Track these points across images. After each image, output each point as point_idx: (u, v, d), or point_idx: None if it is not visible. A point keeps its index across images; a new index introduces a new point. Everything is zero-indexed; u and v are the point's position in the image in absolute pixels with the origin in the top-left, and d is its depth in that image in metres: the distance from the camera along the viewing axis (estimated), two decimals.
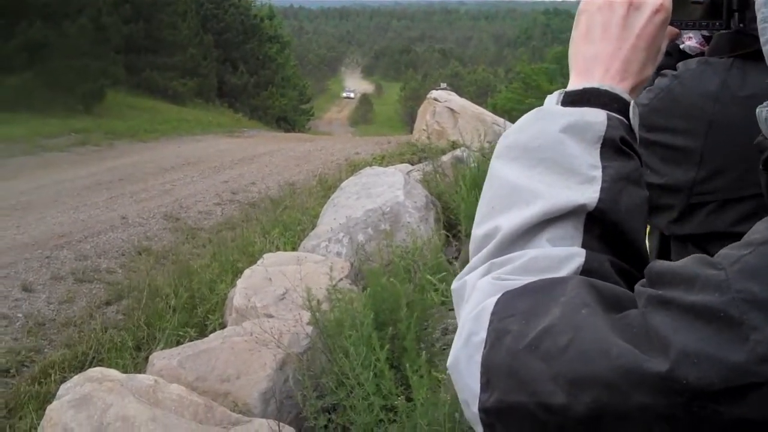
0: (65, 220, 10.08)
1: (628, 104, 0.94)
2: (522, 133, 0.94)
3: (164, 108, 29.18)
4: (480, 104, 14.77)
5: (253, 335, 4.33)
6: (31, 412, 4.75)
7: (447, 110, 11.76)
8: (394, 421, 3.42)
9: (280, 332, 4.30)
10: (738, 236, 1.08)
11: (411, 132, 14.85)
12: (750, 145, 1.09)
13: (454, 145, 10.34)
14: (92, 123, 20.30)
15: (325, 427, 3.73)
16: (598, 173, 0.86)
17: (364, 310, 3.68)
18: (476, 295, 0.82)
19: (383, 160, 11.62)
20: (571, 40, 1.04)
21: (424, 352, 3.56)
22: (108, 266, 8.23)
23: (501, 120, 10.89)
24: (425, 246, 5.54)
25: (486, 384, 0.74)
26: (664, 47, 1.03)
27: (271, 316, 4.83)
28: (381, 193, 7.18)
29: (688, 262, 0.71)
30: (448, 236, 6.45)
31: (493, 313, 0.77)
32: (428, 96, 12.66)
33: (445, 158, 9.08)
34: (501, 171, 0.93)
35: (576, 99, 0.95)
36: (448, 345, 4.47)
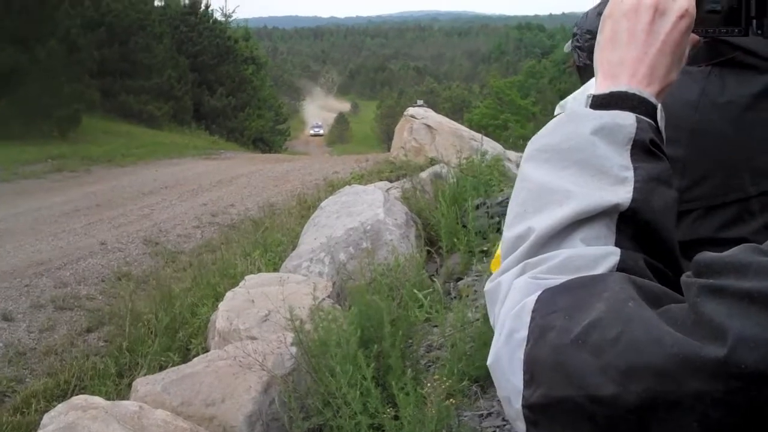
0: (43, 248, 10.02)
1: (655, 107, 0.96)
2: (553, 136, 0.96)
3: (140, 132, 29.09)
4: (456, 120, 14.83)
5: (236, 358, 4.30)
6: None
7: (424, 127, 11.79)
8: None
9: (264, 354, 4.27)
10: (723, 242, 1.10)
11: (388, 150, 14.89)
12: (729, 150, 1.10)
13: (432, 162, 10.38)
14: (68, 149, 20.22)
15: None
16: (630, 174, 0.87)
17: (350, 327, 3.67)
18: (514, 294, 0.83)
19: (362, 179, 11.62)
20: (596, 44, 1.05)
21: (409, 369, 3.55)
22: (88, 293, 8.18)
23: (478, 135, 10.93)
24: (407, 263, 5.54)
25: (530, 380, 0.75)
26: (687, 51, 1.03)
27: (254, 339, 4.80)
28: (361, 212, 7.17)
29: (737, 251, 0.71)
30: (429, 252, 6.45)
31: (534, 310, 0.77)
32: (405, 113, 12.69)
33: (424, 174, 9.10)
34: (532, 173, 0.94)
35: (604, 102, 0.96)
36: (433, 362, 4.49)
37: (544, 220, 0.87)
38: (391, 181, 10.10)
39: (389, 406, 3.43)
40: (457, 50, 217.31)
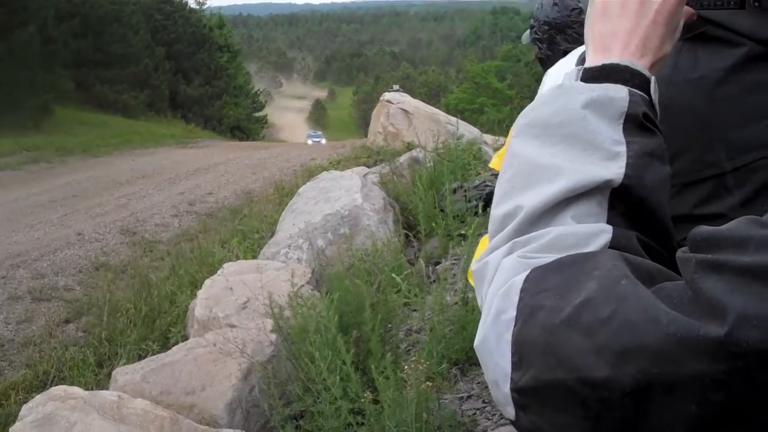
0: (20, 239, 9.95)
1: (648, 80, 0.93)
2: (542, 110, 0.93)
3: (115, 122, 28.93)
4: (433, 105, 14.80)
5: (216, 346, 4.29)
6: None
7: (401, 112, 11.77)
8: (362, 424, 3.41)
9: (244, 342, 4.26)
10: (700, 218, 1.09)
11: (366, 135, 14.86)
12: (704, 125, 1.09)
13: (409, 146, 10.35)
14: (43, 140, 20.09)
15: None
16: (623, 149, 0.84)
17: (329, 313, 3.66)
18: (502, 273, 0.79)
19: (339, 165, 11.60)
20: (586, 17, 1.02)
21: (389, 353, 3.54)
22: (66, 284, 8.13)
23: (454, 119, 10.90)
24: (385, 248, 5.54)
25: (518, 362, 0.72)
26: (681, 24, 1.01)
27: (233, 326, 4.78)
28: (339, 197, 7.16)
29: (736, 224, 0.68)
30: (408, 236, 6.45)
31: (523, 290, 0.74)
32: (381, 98, 12.64)
33: (401, 159, 9.08)
34: (521, 149, 0.91)
35: (595, 75, 0.93)
36: (413, 345, 4.49)
37: (534, 198, 0.83)
38: (368, 167, 10.08)
39: (369, 391, 3.43)
40: (432, 35, 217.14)
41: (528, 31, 4.02)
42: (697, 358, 0.61)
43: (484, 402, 3.78)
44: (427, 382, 3.25)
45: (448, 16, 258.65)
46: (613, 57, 0.94)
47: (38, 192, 13.31)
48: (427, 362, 3.40)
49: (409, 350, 4.45)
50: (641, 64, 0.93)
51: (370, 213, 6.84)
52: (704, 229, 0.70)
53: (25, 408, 3.75)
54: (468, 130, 10.99)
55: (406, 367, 3.27)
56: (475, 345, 0.79)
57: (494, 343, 0.75)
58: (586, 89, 0.90)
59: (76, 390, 3.88)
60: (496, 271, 0.81)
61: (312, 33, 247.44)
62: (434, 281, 5.44)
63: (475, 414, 3.72)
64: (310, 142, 42.54)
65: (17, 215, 11.41)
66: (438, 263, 6.03)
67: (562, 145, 0.86)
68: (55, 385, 4.48)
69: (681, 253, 0.71)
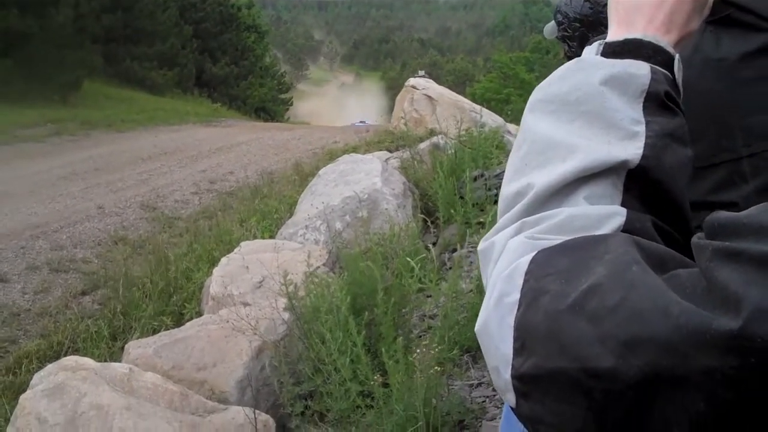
0: (40, 211, 10.01)
1: (672, 58, 0.89)
2: (559, 85, 0.88)
3: (141, 98, 29.01)
4: (459, 93, 14.73)
5: (229, 323, 4.29)
6: (5, 402, 4.70)
7: (425, 98, 11.73)
8: (371, 406, 3.40)
9: (257, 320, 4.27)
10: (715, 205, 1.06)
11: (390, 121, 14.82)
12: (722, 109, 1.06)
13: (432, 133, 10.31)
14: (68, 113, 20.17)
15: (302, 414, 3.70)
16: (642, 128, 0.80)
17: (341, 294, 3.65)
18: (507, 255, 0.76)
19: (361, 149, 11.59)
20: None
21: (400, 337, 3.53)
22: (84, 256, 8.17)
23: (478, 107, 10.85)
24: (402, 232, 5.52)
25: (520, 348, 0.69)
26: (711, 1, 0.97)
27: (247, 304, 4.79)
28: (359, 180, 7.15)
29: (756, 211, 0.64)
30: (426, 222, 6.43)
31: (527, 272, 0.71)
32: (406, 84, 12.59)
33: (423, 145, 9.05)
34: (535, 125, 0.87)
35: (617, 50, 0.89)
36: (426, 331, 4.48)
37: (546, 176, 0.80)
38: (390, 152, 10.07)
39: (379, 374, 3.42)
40: (461, 24, 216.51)
41: (551, 25, 3.92)
42: (707, 352, 0.57)
43: (494, 390, 3.76)
44: (437, 367, 3.24)
45: (478, 5, 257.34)
46: (637, 32, 0.90)
47: (60, 164, 13.38)
48: (438, 347, 3.39)
49: (422, 336, 4.43)
50: (666, 41, 0.90)
51: (389, 197, 6.83)
52: (722, 214, 0.66)
53: (36, 377, 3.78)
54: (492, 119, 10.95)
55: (417, 351, 3.26)
56: (476, 329, 0.76)
57: (496, 328, 0.72)
58: (606, 64, 0.86)
59: (88, 361, 3.91)
60: (502, 252, 0.77)
61: (341, 17, 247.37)
62: (450, 268, 5.41)
63: (484, 401, 3.71)
64: (356, 123, 38.01)
65: (39, 187, 11.47)
66: (455, 250, 6.01)
67: (577, 122, 0.83)
68: (69, 356, 4.52)
69: (696, 239, 0.67)
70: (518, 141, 0.89)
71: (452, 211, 6.18)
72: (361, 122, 47.45)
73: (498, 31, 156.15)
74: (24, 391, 3.79)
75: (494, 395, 3.73)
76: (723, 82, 1.10)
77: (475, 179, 6.51)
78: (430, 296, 4.68)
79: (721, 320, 0.57)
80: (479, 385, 3.89)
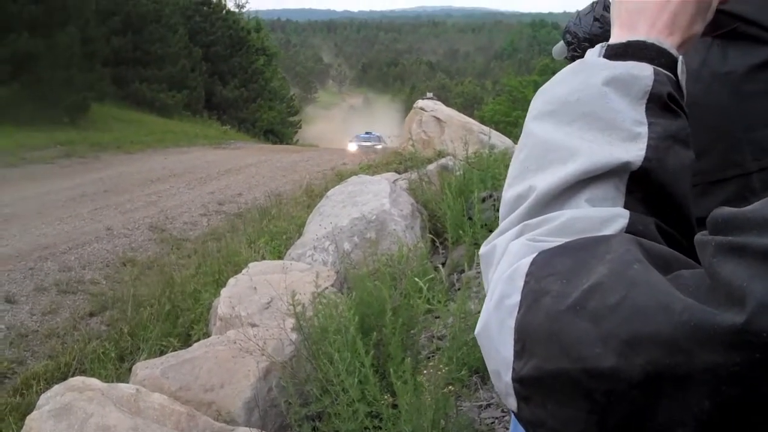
0: (49, 232, 10.04)
1: (675, 60, 0.88)
2: (560, 87, 0.88)
3: (151, 120, 29.18)
4: (468, 116, 14.76)
5: (237, 344, 4.28)
6: (12, 423, 4.70)
7: (433, 119, 11.74)
8: (379, 428, 3.38)
9: (264, 340, 4.25)
10: None
11: (399, 142, 14.86)
12: (730, 123, 1.05)
13: (440, 154, 10.31)
14: (77, 135, 20.27)
15: None
16: (644, 130, 0.79)
17: (349, 314, 3.64)
18: (508, 257, 0.75)
19: (370, 170, 11.60)
20: None
21: (409, 358, 3.51)
22: (92, 277, 8.19)
23: (487, 129, 10.85)
24: (411, 253, 5.51)
25: (521, 351, 0.67)
26: (715, 4, 0.96)
27: (255, 325, 4.78)
28: (367, 202, 7.14)
29: (760, 205, 0.62)
30: (434, 243, 6.41)
31: (528, 274, 0.70)
32: (415, 105, 12.62)
33: (432, 167, 9.05)
34: (536, 128, 0.86)
35: (619, 52, 0.88)
36: (435, 352, 4.45)
37: (547, 179, 0.79)
38: (399, 173, 10.07)
39: (388, 394, 3.40)
40: (470, 46, 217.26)
41: (560, 46, 3.91)
42: (711, 348, 0.56)
43: (503, 411, 3.73)
44: (446, 388, 3.22)
45: (486, 28, 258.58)
46: (639, 34, 0.90)
47: (70, 186, 13.44)
48: (447, 368, 3.36)
49: (430, 357, 4.41)
50: (669, 43, 0.88)
51: (398, 218, 6.82)
52: (725, 210, 0.65)
53: (43, 397, 3.77)
54: (501, 141, 10.94)
55: (425, 371, 3.24)
56: (476, 331, 0.75)
57: (496, 330, 0.71)
58: (608, 66, 0.85)
59: (94, 381, 3.89)
60: (503, 255, 0.76)
61: (350, 40, 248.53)
62: (459, 289, 5.40)
63: (493, 423, 3.69)
64: (353, 148, 30.70)
65: (48, 208, 11.51)
66: (464, 271, 5.99)
67: (579, 123, 0.82)
68: (76, 377, 4.51)
69: (700, 236, 0.66)
70: (519, 145, 0.88)
71: (461, 232, 6.16)
72: (367, 134, 42.81)
73: (506, 54, 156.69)
74: (31, 411, 3.78)
75: (503, 416, 3.71)
76: (730, 95, 1.10)
77: (483, 200, 6.50)
78: (439, 317, 4.67)
79: (725, 315, 0.56)
80: (488, 406, 3.86)
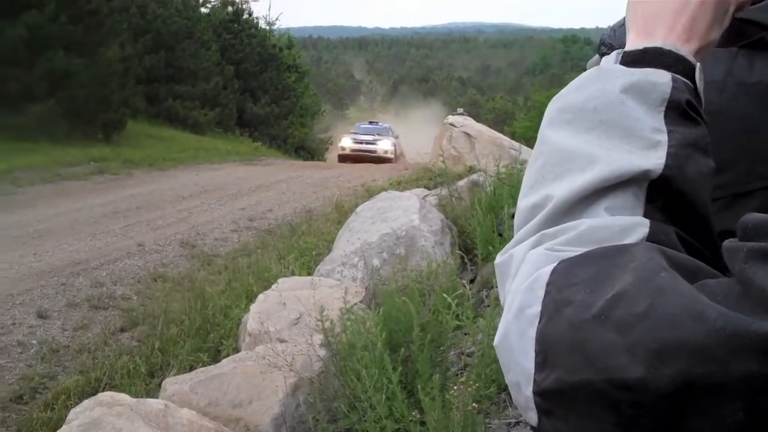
0: (82, 248, 10.11)
1: (693, 67, 0.86)
2: (576, 94, 0.86)
3: (183, 137, 29.33)
4: (499, 132, 14.74)
5: (265, 359, 4.28)
6: None
7: (463, 135, 11.75)
8: None
9: (293, 356, 4.25)
10: None
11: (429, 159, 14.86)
12: (756, 134, 1.03)
13: (470, 170, 10.30)
14: (111, 152, 20.41)
15: None
16: (664, 138, 0.78)
17: (377, 330, 3.63)
18: (526, 267, 0.73)
19: (400, 186, 11.60)
20: None
21: (437, 374, 3.49)
22: (123, 293, 8.23)
23: (517, 144, 10.84)
24: (440, 269, 5.49)
25: (542, 362, 0.66)
26: (731, 10, 0.94)
27: (284, 341, 4.78)
28: (396, 217, 7.13)
29: None
30: (464, 259, 6.38)
31: (549, 283, 0.68)
32: (445, 121, 12.64)
33: (462, 183, 9.03)
34: (552, 136, 0.85)
35: (636, 59, 0.87)
36: (463, 368, 4.43)
37: (564, 187, 0.77)
38: (428, 189, 10.06)
39: (415, 411, 3.38)
40: (501, 62, 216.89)
41: (595, 59, 3.88)
42: (746, 357, 0.55)
43: (532, 429, 3.69)
44: (474, 405, 3.20)
45: (518, 44, 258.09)
46: (656, 40, 0.88)
47: (102, 203, 13.53)
48: (476, 385, 3.34)
49: (459, 373, 4.38)
50: (686, 49, 0.87)
51: (427, 234, 6.81)
52: (755, 215, 0.64)
53: (72, 412, 3.78)
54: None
55: (453, 388, 3.22)
56: (495, 342, 0.73)
57: (516, 341, 0.69)
58: (626, 73, 0.84)
59: (123, 397, 3.90)
60: (520, 265, 0.75)
61: (381, 57, 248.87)
62: (488, 306, 5.37)
63: None
64: (347, 143, 29.15)
65: (80, 224, 11.60)
66: (493, 287, 5.95)
67: (596, 131, 0.80)
68: (105, 392, 4.53)
69: (729, 242, 0.65)
70: (534, 153, 0.87)
71: (490, 248, 6.13)
72: (371, 123, 40.34)
73: (538, 70, 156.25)
74: (60, 426, 3.79)
75: None
76: (757, 105, 1.08)
77: (513, 216, 6.47)
78: (468, 333, 4.64)
79: (760, 324, 0.55)
80: (517, 423, 3.82)
